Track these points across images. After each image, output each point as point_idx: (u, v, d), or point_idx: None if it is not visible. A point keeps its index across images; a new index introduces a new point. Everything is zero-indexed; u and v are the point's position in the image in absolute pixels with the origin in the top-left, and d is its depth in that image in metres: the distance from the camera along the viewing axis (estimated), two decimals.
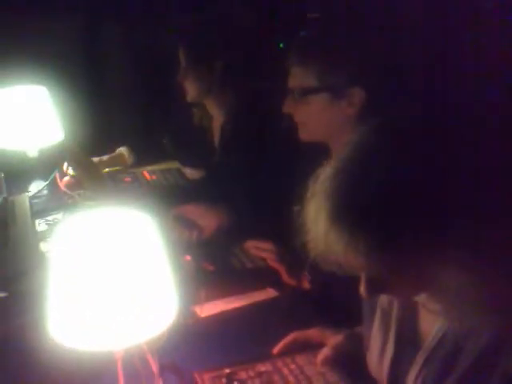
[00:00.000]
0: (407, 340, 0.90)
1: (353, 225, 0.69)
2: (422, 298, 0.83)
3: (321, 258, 0.78)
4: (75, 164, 1.81)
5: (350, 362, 1.01)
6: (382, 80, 1.28)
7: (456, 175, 0.69)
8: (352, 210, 0.70)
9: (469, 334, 0.78)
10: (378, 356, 0.93)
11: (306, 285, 1.36)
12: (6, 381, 1.01)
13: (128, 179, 2.03)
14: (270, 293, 1.35)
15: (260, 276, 1.38)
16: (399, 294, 0.82)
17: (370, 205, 0.68)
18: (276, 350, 1.07)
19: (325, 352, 1.01)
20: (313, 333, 1.09)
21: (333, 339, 1.04)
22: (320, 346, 1.05)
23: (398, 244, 0.68)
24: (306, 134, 1.41)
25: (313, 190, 0.76)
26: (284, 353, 1.05)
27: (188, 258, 1.36)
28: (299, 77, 1.34)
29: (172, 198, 1.78)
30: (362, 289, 0.77)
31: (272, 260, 1.42)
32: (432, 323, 0.85)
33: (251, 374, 0.98)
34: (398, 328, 0.91)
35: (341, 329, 1.08)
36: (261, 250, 1.46)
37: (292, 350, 1.05)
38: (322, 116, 1.34)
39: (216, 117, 1.96)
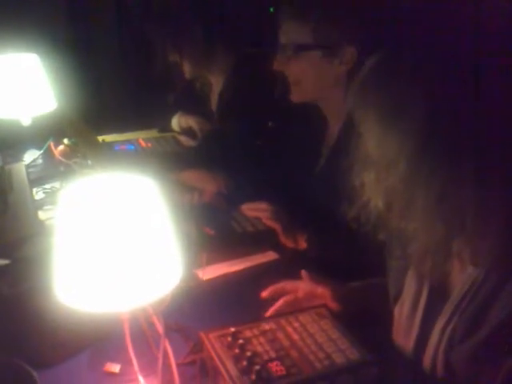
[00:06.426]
0: (439, 291, 0.89)
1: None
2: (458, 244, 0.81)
3: None
4: (73, 132, 1.80)
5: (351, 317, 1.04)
6: (377, 42, 1.26)
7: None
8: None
9: (502, 285, 0.77)
10: (411, 307, 0.92)
11: (303, 245, 1.36)
12: (13, 343, 1.02)
13: (123, 147, 2.02)
14: (270, 255, 1.36)
15: (261, 239, 1.39)
16: None
17: None
18: (266, 294, 1.15)
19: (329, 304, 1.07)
20: (301, 283, 1.14)
21: (327, 290, 1.10)
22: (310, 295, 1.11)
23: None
24: (297, 94, 1.40)
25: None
26: (278, 314, 1.08)
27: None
28: (293, 32, 1.32)
29: (169, 164, 1.78)
30: None
31: (267, 219, 1.39)
32: (463, 274, 0.83)
33: (256, 332, 0.99)
34: (432, 279, 0.90)
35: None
36: (256, 210, 1.43)
37: (279, 296, 1.13)
38: (313, 73, 1.33)
39: (215, 84, 1.96)
